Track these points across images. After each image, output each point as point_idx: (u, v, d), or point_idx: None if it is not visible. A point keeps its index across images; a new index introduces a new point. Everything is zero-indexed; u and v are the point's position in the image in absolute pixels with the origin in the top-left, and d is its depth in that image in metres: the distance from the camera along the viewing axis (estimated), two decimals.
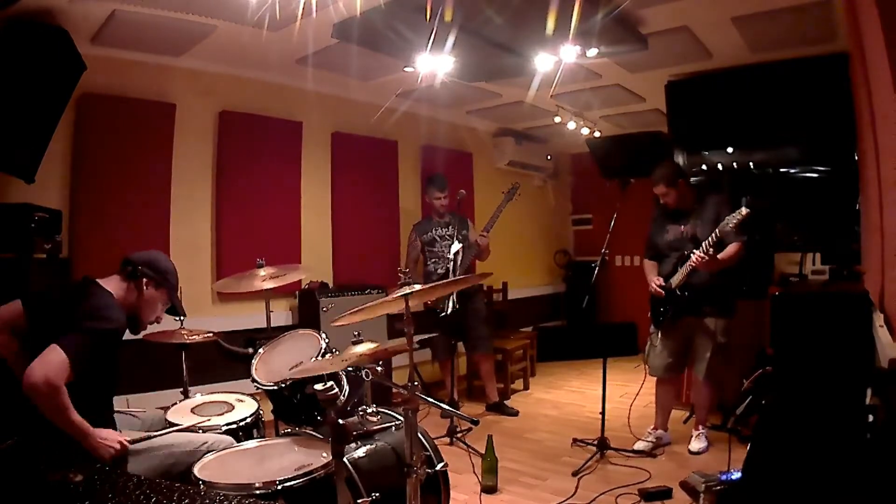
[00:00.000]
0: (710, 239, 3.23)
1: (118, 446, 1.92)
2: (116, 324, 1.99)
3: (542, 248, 7.26)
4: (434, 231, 4.59)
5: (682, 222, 3.55)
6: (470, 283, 3.90)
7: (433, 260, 4.56)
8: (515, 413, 4.65)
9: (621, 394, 4.83)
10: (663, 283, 3.53)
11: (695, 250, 3.28)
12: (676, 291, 3.48)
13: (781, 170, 4.60)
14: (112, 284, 2.10)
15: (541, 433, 4.19)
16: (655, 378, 3.74)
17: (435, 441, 2.40)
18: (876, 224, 2.48)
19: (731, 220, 3.11)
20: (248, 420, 2.46)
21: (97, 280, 2.10)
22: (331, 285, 4.61)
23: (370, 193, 5.08)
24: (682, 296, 3.47)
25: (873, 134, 2.39)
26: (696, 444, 3.59)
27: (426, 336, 4.35)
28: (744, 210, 3.07)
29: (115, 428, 2.06)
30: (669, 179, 3.53)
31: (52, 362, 1.77)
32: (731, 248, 3.32)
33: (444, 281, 3.72)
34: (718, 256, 3.27)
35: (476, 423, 1.90)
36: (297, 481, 1.86)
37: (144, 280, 2.12)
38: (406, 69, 3.95)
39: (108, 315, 1.97)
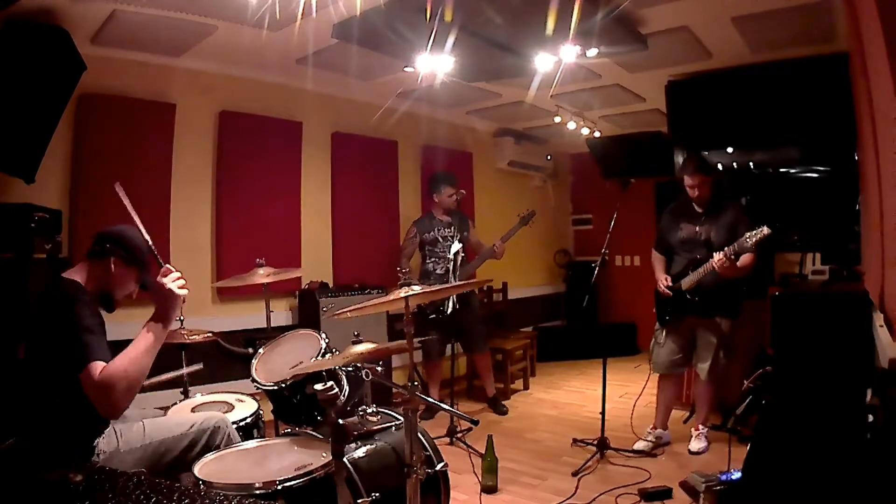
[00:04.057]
0: (728, 250, 3.21)
1: (172, 282, 1.94)
2: (85, 298, 1.93)
3: (542, 248, 7.26)
4: (437, 231, 4.59)
5: (697, 223, 3.53)
6: (473, 286, 3.98)
7: (433, 259, 4.56)
8: (505, 411, 4.68)
9: (621, 394, 4.83)
10: (671, 284, 3.53)
11: (715, 253, 3.25)
12: (686, 295, 3.48)
13: (781, 170, 4.60)
14: (79, 269, 2.03)
15: (541, 433, 4.19)
16: (658, 375, 3.75)
17: (435, 441, 2.41)
18: (876, 224, 2.48)
19: (752, 238, 3.10)
20: (248, 420, 2.46)
21: (63, 274, 2.01)
22: (331, 285, 4.61)
23: (370, 193, 5.08)
24: (691, 299, 3.47)
25: (873, 134, 2.39)
26: (696, 444, 3.59)
27: (423, 338, 4.35)
28: (765, 230, 3.06)
29: (104, 425, 2.02)
30: (707, 168, 3.51)
31: (89, 382, 1.76)
32: (746, 258, 3.27)
33: (452, 285, 3.75)
34: (738, 264, 3.25)
35: (476, 423, 1.89)
36: (297, 481, 1.86)
37: (112, 259, 2.04)
38: (406, 69, 3.95)
39: (72, 296, 1.91)
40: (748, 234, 3.13)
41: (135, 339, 1.88)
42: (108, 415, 1.85)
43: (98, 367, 1.77)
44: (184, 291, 1.97)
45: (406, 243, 4.74)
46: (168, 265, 1.99)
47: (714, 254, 3.27)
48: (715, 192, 3.54)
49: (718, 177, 3.63)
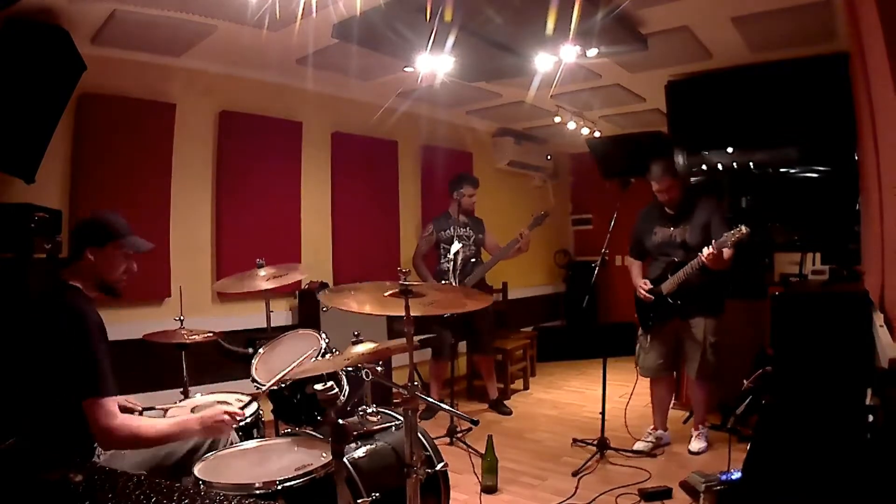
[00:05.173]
0: (707, 249, 3.20)
1: (227, 419, 2.03)
2: (93, 316, 1.94)
3: (542, 248, 7.26)
4: (453, 230, 4.52)
5: (671, 225, 3.54)
6: (478, 304, 3.95)
7: (447, 258, 4.53)
8: (509, 412, 4.67)
9: (621, 394, 4.82)
10: (652, 288, 3.53)
11: (704, 248, 3.23)
12: (668, 299, 3.48)
13: (781, 170, 4.60)
14: (75, 271, 2.02)
15: (541, 433, 4.19)
16: (649, 379, 3.74)
17: (435, 441, 2.41)
18: (876, 224, 2.48)
19: (731, 238, 3.10)
20: (248, 420, 2.46)
21: (63, 277, 2.01)
22: (331, 285, 4.61)
23: (370, 193, 5.07)
24: (673, 303, 3.47)
25: (873, 134, 2.39)
26: (696, 444, 3.59)
27: (427, 336, 4.33)
28: (744, 229, 3.06)
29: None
30: (674, 171, 3.52)
31: (96, 416, 1.81)
32: (727, 251, 3.26)
33: (452, 286, 3.73)
34: (724, 256, 3.24)
35: (476, 423, 1.89)
36: (297, 481, 1.86)
37: (87, 250, 2.01)
38: (406, 69, 3.95)
39: (87, 315, 1.91)
40: (726, 234, 3.14)
41: (170, 419, 1.99)
42: (100, 444, 1.91)
43: (111, 406, 1.83)
44: (229, 418, 2.07)
45: (421, 241, 4.72)
46: (230, 411, 2.10)
47: (703, 249, 3.25)
48: (685, 194, 3.55)
49: (685, 179, 3.63)
